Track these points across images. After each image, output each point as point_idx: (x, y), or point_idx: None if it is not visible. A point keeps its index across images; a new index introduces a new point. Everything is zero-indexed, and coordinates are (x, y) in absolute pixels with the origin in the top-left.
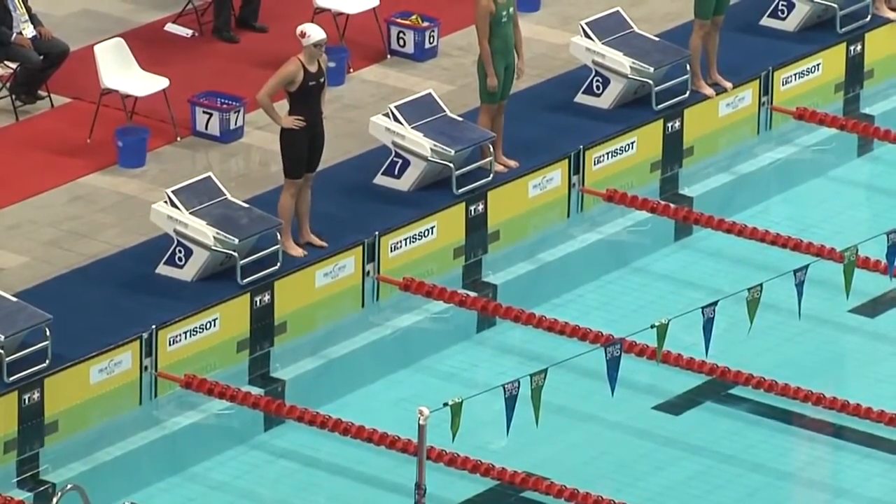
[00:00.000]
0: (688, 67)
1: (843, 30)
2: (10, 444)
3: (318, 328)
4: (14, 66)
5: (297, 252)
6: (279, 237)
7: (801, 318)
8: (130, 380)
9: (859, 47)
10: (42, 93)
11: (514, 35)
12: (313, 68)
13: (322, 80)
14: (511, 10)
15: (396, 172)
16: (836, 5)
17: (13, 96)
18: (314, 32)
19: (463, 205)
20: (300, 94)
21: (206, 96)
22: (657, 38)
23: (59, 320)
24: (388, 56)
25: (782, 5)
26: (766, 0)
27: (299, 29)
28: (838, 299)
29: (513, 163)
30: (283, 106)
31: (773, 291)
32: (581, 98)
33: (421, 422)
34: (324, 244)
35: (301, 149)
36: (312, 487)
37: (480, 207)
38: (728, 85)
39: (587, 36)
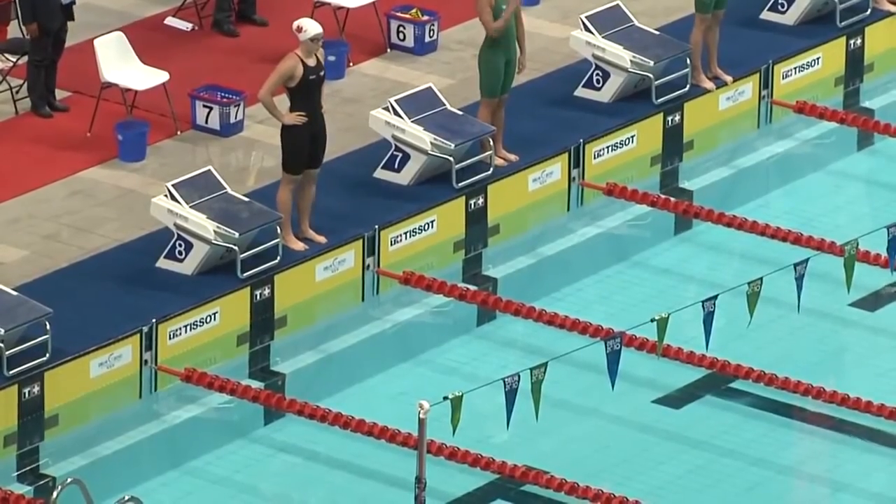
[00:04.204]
0: (688, 61)
1: (843, 23)
2: (11, 438)
3: (319, 322)
4: (14, 58)
5: (298, 246)
6: (279, 231)
7: (802, 311)
8: (130, 374)
9: (859, 41)
10: (61, 104)
11: (517, 29)
12: (312, 62)
13: (322, 73)
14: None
15: (396, 166)
16: None
17: (36, 110)
18: (310, 27)
19: (463, 198)
20: (300, 90)
21: (206, 90)
22: (657, 32)
23: (60, 314)
24: (388, 50)
25: None
26: None
27: (295, 24)
28: (838, 293)
29: (513, 157)
30: (282, 101)
31: (774, 285)
32: (581, 92)
33: (421, 415)
34: (322, 240)
35: (303, 144)
36: (313, 481)
37: (480, 201)
38: (728, 79)
39: (587, 30)
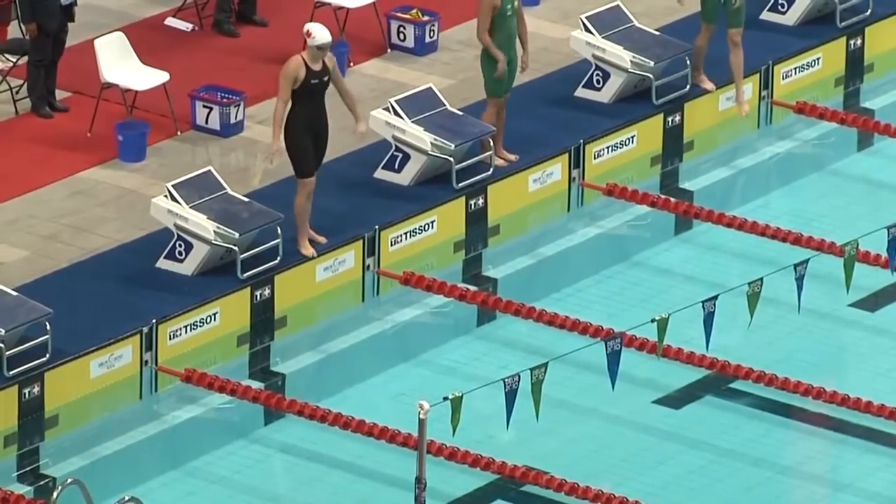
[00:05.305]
0: (688, 62)
1: (843, 24)
2: (11, 439)
3: (319, 322)
4: (14, 59)
5: (310, 252)
6: (279, 231)
7: (802, 312)
8: (131, 374)
9: (859, 41)
10: (61, 105)
11: (520, 29)
12: (317, 66)
13: (326, 78)
14: (515, 3)
15: (396, 167)
16: None
17: (36, 110)
18: (319, 34)
19: (463, 199)
20: (302, 92)
21: (206, 90)
22: (657, 33)
23: (60, 314)
24: (389, 50)
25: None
26: None
27: (306, 28)
28: (838, 294)
29: (513, 157)
30: None
31: (774, 286)
32: (581, 92)
33: (421, 416)
34: (323, 240)
35: (306, 146)
36: (313, 481)
37: (480, 201)
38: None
39: (587, 30)
